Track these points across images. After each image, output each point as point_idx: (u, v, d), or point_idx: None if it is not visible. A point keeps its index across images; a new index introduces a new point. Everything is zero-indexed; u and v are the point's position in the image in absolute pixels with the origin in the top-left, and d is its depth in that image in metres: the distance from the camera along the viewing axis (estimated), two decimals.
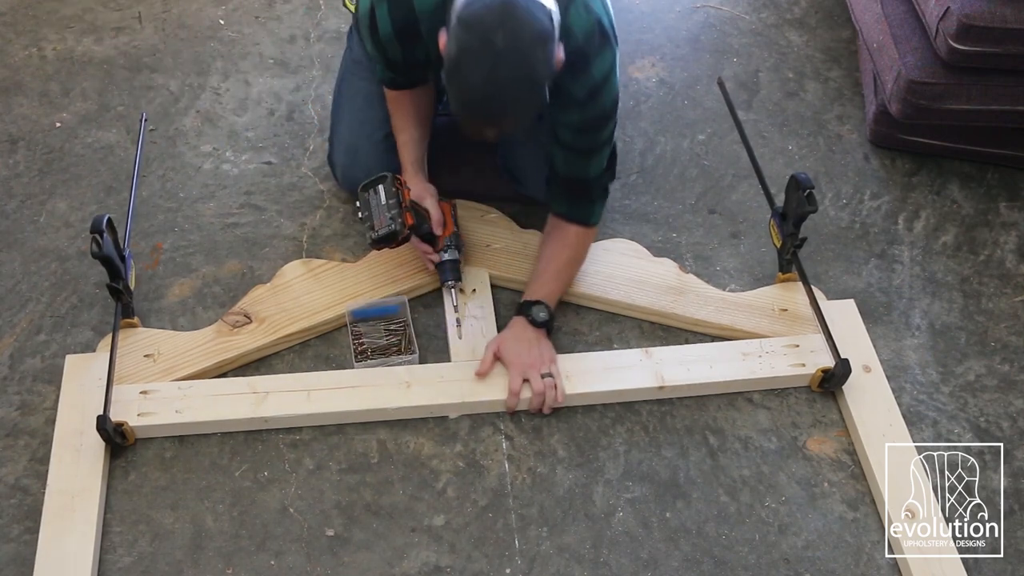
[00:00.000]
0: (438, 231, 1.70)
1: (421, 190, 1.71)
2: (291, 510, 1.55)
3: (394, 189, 1.62)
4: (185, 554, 1.49)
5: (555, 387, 1.62)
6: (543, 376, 1.61)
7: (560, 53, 1.44)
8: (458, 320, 1.73)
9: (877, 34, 2.09)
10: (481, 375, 1.64)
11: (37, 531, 1.47)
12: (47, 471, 1.53)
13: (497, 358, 1.65)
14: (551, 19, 1.38)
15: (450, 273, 1.73)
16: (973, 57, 1.88)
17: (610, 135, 1.64)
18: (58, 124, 2.13)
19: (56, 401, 1.62)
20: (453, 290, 1.74)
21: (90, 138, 2.11)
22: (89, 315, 1.78)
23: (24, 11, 2.39)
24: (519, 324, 1.66)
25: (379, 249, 1.69)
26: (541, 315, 1.66)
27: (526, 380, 1.62)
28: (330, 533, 1.52)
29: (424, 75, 1.72)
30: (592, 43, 1.51)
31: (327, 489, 1.57)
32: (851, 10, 2.27)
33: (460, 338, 1.71)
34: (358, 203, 1.65)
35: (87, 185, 2.01)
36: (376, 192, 1.63)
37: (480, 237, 1.87)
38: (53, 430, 1.57)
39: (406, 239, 1.66)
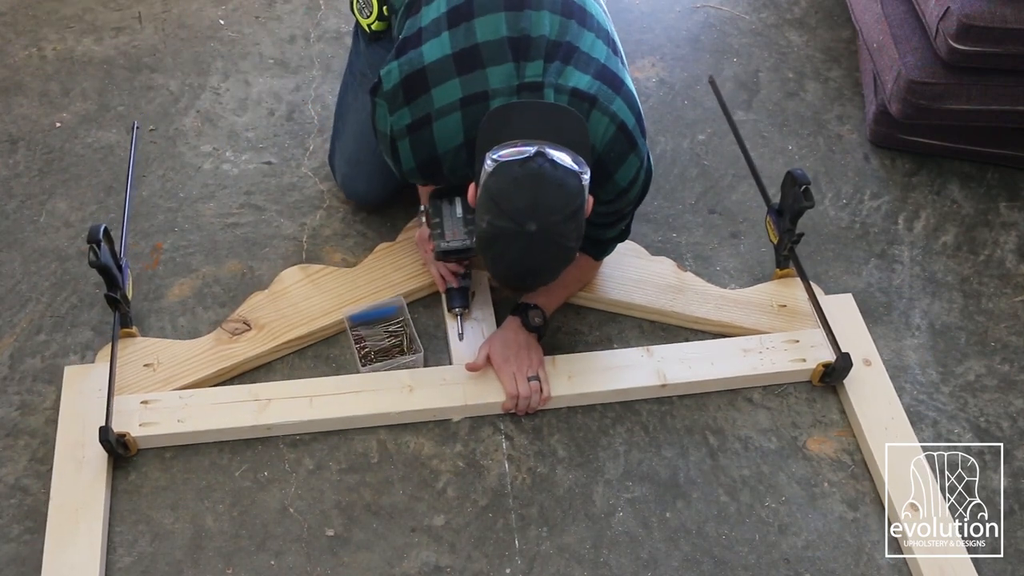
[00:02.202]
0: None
1: None
2: (291, 510, 1.55)
3: (471, 206, 1.57)
4: (185, 554, 1.49)
5: (540, 391, 1.62)
6: (530, 379, 1.62)
7: (590, 203, 1.42)
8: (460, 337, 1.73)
9: (877, 34, 2.09)
10: (471, 369, 1.64)
11: (37, 531, 1.47)
12: (47, 471, 1.53)
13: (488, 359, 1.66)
14: (580, 181, 1.35)
15: (459, 300, 1.74)
16: (973, 57, 1.88)
17: (634, 208, 1.62)
18: (58, 124, 2.13)
19: (56, 401, 1.62)
20: (460, 316, 1.74)
21: (90, 138, 2.11)
22: (89, 315, 1.78)
23: (24, 11, 2.39)
24: (512, 325, 1.67)
25: (441, 260, 1.65)
26: (536, 320, 1.66)
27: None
28: (330, 533, 1.52)
29: None
30: (613, 151, 1.47)
31: (327, 489, 1.57)
32: (851, 10, 2.27)
33: (461, 339, 1.72)
34: (427, 207, 1.60)
35: (87, 185, 2.01)
36: (452, 203, 1.59)
37: None
38: (53, 430, 1.57)
39: (471, 256, 1.61)
